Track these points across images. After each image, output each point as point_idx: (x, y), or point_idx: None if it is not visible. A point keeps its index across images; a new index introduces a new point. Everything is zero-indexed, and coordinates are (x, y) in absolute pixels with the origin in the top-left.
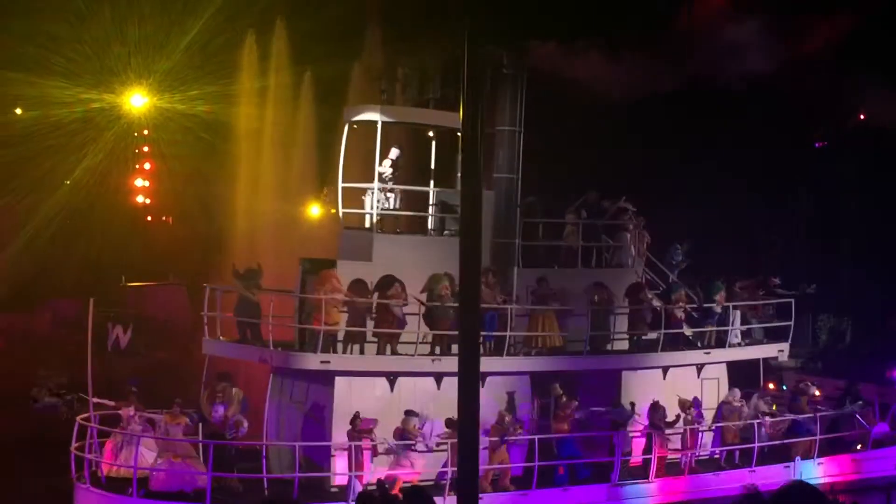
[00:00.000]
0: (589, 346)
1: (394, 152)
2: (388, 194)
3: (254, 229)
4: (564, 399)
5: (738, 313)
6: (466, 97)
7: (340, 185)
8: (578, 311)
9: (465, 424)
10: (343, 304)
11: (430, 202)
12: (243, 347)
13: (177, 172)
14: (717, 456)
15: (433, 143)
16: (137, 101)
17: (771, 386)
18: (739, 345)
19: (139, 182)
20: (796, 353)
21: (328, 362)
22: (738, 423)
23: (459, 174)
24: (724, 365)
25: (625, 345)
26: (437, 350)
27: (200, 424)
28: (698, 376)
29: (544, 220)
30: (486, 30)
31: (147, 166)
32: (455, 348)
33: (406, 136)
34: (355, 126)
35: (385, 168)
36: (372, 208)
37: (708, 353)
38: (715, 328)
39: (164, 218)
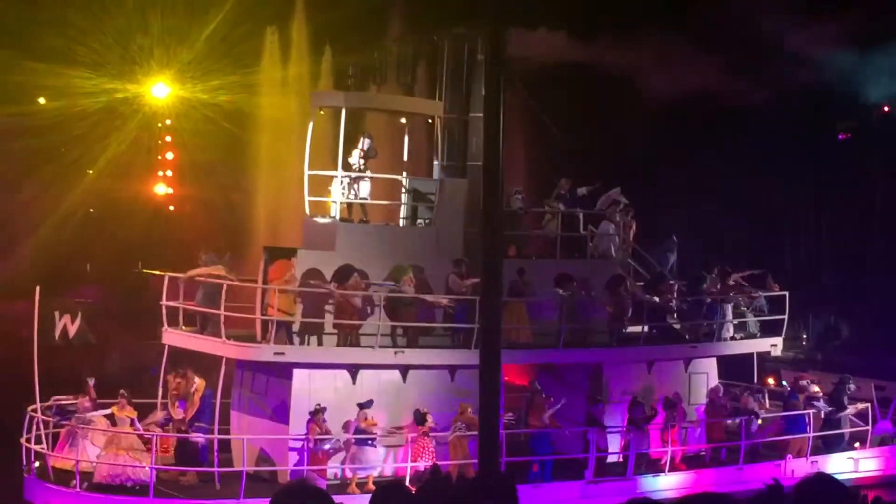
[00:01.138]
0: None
1: (364, 142)
2: (358, 183)
3: (276, 219)
4: (543, 395)
5: (730, 307)
6: (488, 84)
7: (307, 172)
8: (549, 303)
9: (485, 416)
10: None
11: (403, 190)
12: (201, 338)
13: (199, 162)
14: (703, 453)
15: (406, 130)
16: (160, 90)
17: (771, 381)
18: (734, 338)
19: (161, 172)
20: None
21: (282, 354)
22: (720, 420)
23: (432, 162)
24: (714, 359)
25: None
26: (400, 342)
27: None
28: (686, 370)
29: (520, 209)
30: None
31: (170, 156)
32: (421, 340)
33: (381, 124)
34: (322, 112)
35: (354, 158)
36: (340, 196)
37: (694, 346)
38: (703, 321)
39: (186, 207)
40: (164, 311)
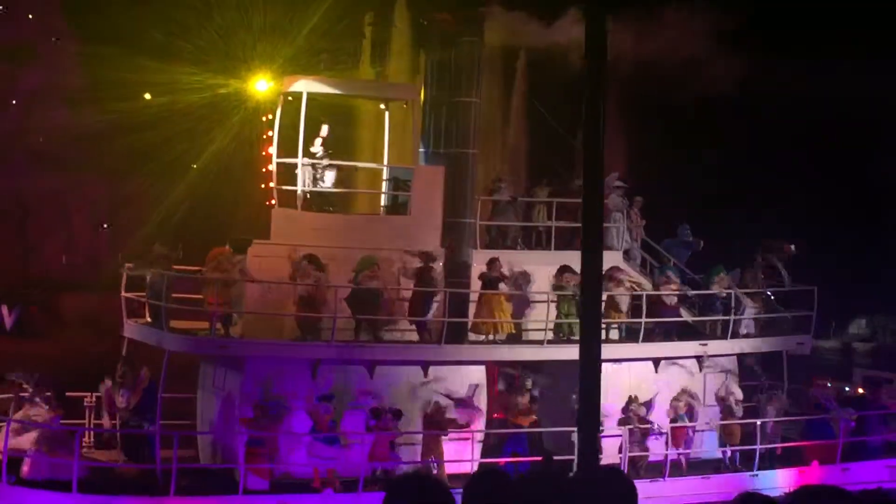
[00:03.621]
0: (552, 334)
1: (324, 129)
2: (323, 172)
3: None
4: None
5: (750, 301)
6: (590, 71)
7: (275, 161)
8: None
9: (585, 414)
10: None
11: (384, 178)
12: (150, 330)
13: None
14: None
15: (386, 115)
16: (262, 86)
17: (829, 384)
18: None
19: (263, 168)
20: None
21: (226, 347)
22: (726, 423)
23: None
24: (735, 358)
25: (613, 334)
26: (364, 337)
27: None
28: (700, 370)
29: (500, 198)
30: None
31: (271, 150)
32: (389, 335)
33: (362, 110)
34: (290, 98)
35: (317, 147)
36: (304, 185)
37: (705, 344)
38: (719, 317)
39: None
40: (123, 303)
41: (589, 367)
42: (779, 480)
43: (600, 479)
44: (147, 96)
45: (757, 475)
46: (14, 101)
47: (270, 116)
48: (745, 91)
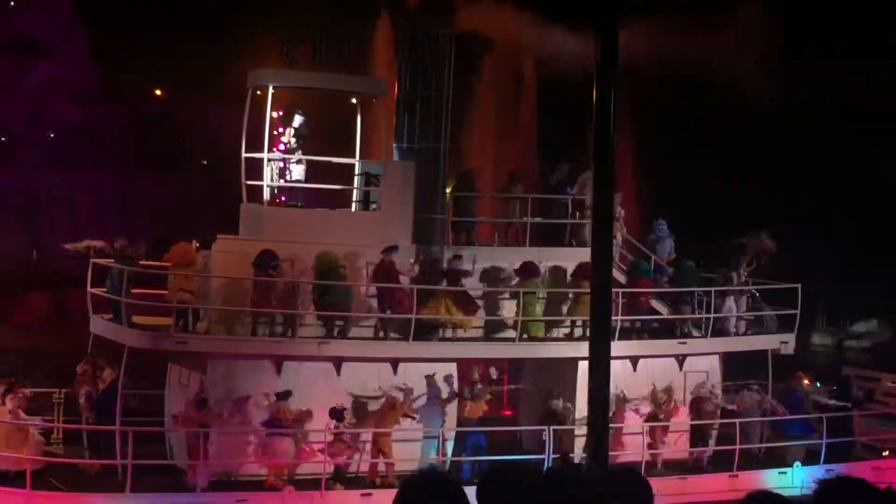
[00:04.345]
0: (521, 333)
1: (297, 120)
2: (295, 166)
3: None
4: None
5: (733, 298)
6: (599, 66)
7: (243, 155)
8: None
9: (595, 415)
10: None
11: (356, 173)
12: (112, 326)
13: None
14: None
15: (358, 109)
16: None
17: (806, 382)
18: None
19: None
20: None
21: (185, 343)
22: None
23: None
24: (716, 356)
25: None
26: (327, 332)
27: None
28: (681, 369)
29: (472, 194)
30: None
31: (281, 147)
32: (355, 332)
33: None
34: (258, 92)
35: (289, 138)
36: (271, 180)
37: (683, 343)
38: (691, 316)
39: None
40: (88, 298)
41: (598, 368)
42: (760, 482)
43: (616, 479)
44: (157, 92)
45: (737, 476)
46: (23, 95)
47: (274, 114)
48: (752, 91)
